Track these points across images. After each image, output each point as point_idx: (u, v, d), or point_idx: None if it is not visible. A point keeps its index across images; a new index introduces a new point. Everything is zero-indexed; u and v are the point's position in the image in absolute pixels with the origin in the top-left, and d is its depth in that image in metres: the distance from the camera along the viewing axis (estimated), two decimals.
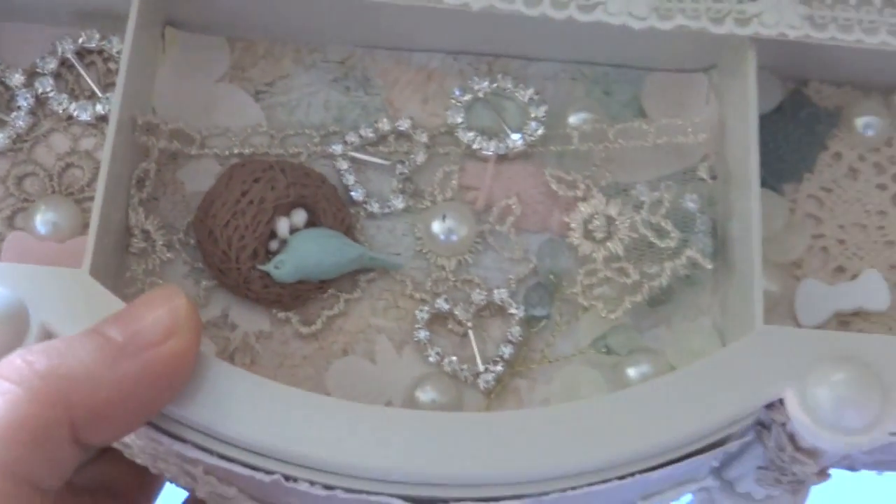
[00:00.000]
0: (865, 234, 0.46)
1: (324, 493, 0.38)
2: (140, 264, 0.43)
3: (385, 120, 0.46)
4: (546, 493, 0.38)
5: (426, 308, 0.43)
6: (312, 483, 0.38)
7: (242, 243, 0.42)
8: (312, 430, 0.37)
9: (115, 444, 0.41)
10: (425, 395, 0.42)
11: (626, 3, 0.43)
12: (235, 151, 0.45)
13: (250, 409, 0.38)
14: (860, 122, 0.47)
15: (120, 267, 0.43)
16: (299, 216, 0.43)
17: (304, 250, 0.42)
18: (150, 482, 0.45)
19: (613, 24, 0.43)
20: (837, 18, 0.44)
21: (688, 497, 0.47)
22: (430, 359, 0.43)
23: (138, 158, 0.44)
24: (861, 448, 0.39)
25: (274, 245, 0.43)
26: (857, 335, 0.41)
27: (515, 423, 0.38)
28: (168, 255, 0.43)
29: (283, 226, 0.43)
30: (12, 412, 0.34)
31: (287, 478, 0.38)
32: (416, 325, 0.43)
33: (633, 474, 0.39)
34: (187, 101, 0.46)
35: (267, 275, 0.42)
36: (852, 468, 0.48)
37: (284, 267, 0.42)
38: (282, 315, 0.43)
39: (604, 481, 0.38)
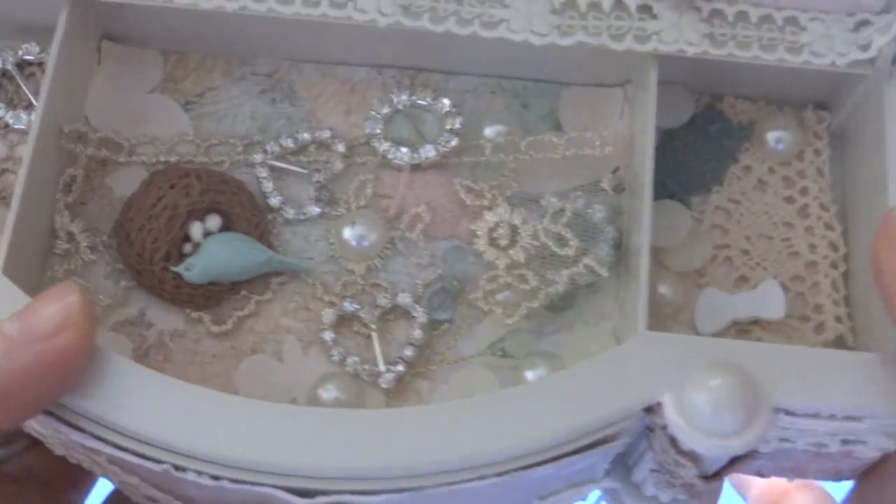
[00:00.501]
0: (770, 245, 0.47)
1: (211, 483, 0.40)
2: (62, 265, 0.45)
3: (305, 130, 0.48)
4: (423, 488, 0.40)
5: (332, 310, 0.45)
6: (199, 473, 0.40)
7: (156, 245, 0.44)
8: (197, 422, 0.39)
9: (36, 434, 0.43)
10: (328, 393, 0.44)
11: (528, 20, 0.44)
12: (162, 159, 0.47)
13: (141, 401, 0.39)
14: (772, 136, 0.48)
15: (43, 268, 0.45)
16: (213, 221, 0.45)
17: (213, 253, 0.44)
18: (78, 472, 0.48)
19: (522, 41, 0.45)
20: (737, 36, 0.45)
21: (595, 494, 0.48)
22: (334, 358, 0.45)
23: (66, 164, 0.46)
24: (735, 452, 0.40)
25: (188, 248, 0.45)
26: (734, 342, 0.42)
27: (391, 420, 0.40)
28: (91, 256, 0.46)
29: (196, 230, 0.45)
30: None
31: (176, 468, 0.40)
32: (322, 326, 0.45)
33: (508, 472, 0.40)
34: (119, 110, 0.48)
35: (179, 276, 0.44)
36: (762, 474, 0.49)
37: (194, 269, 0.44)
38: (195, 315, 0.45)
39: (480, 478, 0.40)
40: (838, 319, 0.45)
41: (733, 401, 0.40)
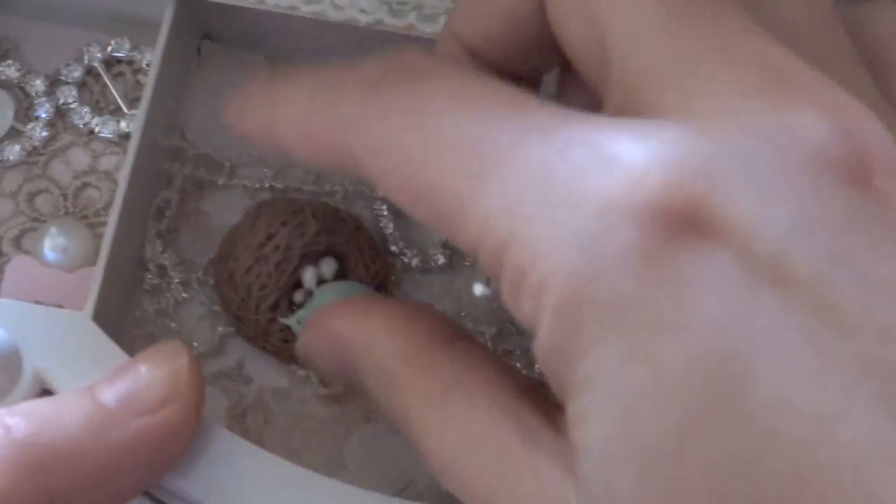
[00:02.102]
0: None
1: None
2: (152, 303, 0.39)
3: None
4: None
5: None
6: None
7: (264, 293, 0.38)
8: None
9: None
10: None
11: None
12: (267, 185, 0.41)
13: (251, 486, 0.34)
14: None
15: (130, 304, 0.39)
16: (328, 266, 0.39)
17: None
18: None
19: None
20: None
21: None
22: None
23: (159, 185, 0.40)
24: None
25: (298, 296, 0.39)
26: None
27: None
28: (184, 294, 0.40)
29: (309, 276, 0.39)
30: None
31: None
32: None
33: None
34: (219, 124, 0.42)
35: (288, 328, 0.38)
36: None
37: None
38: (302, 372, 0.39)
39: None
40: None
41: None
